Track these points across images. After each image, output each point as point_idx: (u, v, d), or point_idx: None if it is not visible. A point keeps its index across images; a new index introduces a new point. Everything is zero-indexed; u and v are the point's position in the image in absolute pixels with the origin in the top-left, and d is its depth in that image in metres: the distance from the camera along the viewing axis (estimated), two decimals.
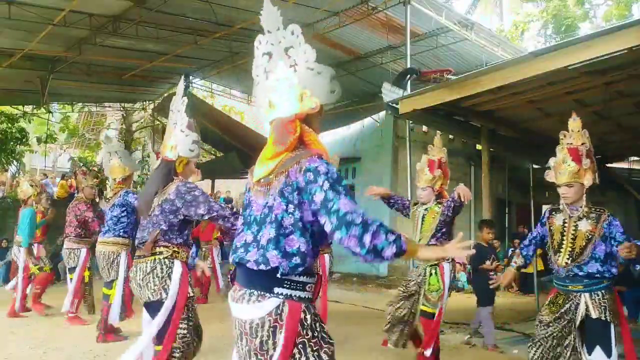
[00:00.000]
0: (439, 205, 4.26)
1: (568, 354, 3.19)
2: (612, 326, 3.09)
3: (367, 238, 1.69)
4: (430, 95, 6.36)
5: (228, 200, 13.77)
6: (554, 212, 3.41)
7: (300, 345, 1.79)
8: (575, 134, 3.34)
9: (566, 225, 3.28)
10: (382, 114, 12.03)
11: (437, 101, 6.29)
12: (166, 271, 2.94)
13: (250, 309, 1.82)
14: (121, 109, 16.79)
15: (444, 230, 4.23)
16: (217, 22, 9.31)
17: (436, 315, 4.16)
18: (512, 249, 11.31)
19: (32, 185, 6.76)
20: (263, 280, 1.82)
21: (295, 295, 1.82)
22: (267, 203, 1.88)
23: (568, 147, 3.28)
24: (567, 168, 3.25)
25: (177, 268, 2.97)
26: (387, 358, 5.06)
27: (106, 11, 9.02)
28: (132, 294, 4.04)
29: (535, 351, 3.30)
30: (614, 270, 3.18)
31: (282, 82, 1.94)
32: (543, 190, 13.13)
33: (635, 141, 7.37)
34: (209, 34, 10.03)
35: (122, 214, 5.00)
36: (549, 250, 3.37)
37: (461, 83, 6.04)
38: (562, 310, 3.22)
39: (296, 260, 1.80)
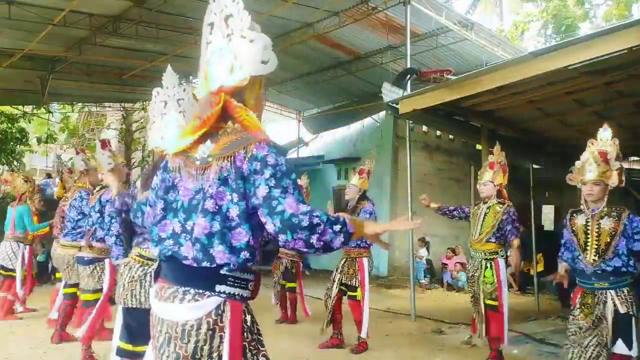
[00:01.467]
0: (500, 205, 4.71)
1: (591, 350, 3.32)
2: (633, 320, 3.27)
3: (314, 238, 1.56)
4: (430, 95, 6.36)
5: None
6: (574, 214, 3.58)
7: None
8: (603, 142, 3.51)
9: (589, 224, 3.44)
10: (382, 114, 12.04)
11: (437, 101, 6.29)
12: None
13: (184, 309, 1.61)
14: (121, 109, 16.78)
15: (502, 231, 4.68)
16: None
17: (499, 309, 4.54)
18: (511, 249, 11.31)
19: (26, 181, 6.67)
20: (202, 277, 1.63)
21: (237, 294, 1.65)
22: (200, 188, 1.67)
23: (598, 150, 3.44)
24: (596, 167, 3.39)
25: None
26: (387, 358, 5.07)
27: (106, 11, 9.02)
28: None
29: (578, 357, 3.37)
30: (637, 265, 3.35)
31: (215, 53, 1.76)
32: (543, 190, 13.16)
33: (635, 141, 7.37)
34: None
35: (79, 216, 4.85)
36: (577, 251, 3.50)
37: (461, 83, 6.04)
38: (595, 311, 3.34)
39: (245, 255, 1.63)
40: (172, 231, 1.70)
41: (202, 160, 1.70)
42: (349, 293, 5.20)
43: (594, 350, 3.31)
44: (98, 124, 19.39)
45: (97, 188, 4.19)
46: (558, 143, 8.60)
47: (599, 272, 3.37)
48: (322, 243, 1.58)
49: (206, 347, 1.60)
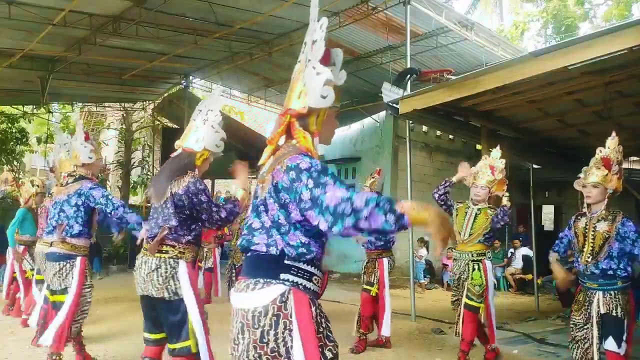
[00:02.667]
0: (492, 209, 4.55)
1: (586, 345, 3.54)
2: (623, 322, 3.44)
3: (362, 224, 1.61)
4: (430, 95, 6.35)
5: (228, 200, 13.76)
6: (579, 217, 3.78)
7: None
8: (610, 150, 3.68)
9: (587, 227, 3.64)
10: (382, 114, 12.03)
11: (437, 101, 6.28)
12: (170, 271, 2.99)
13: (254, 296, 1.78)
14: (121, 109, 16.78)
15: (492, 233, 4.56)
16: (217, 22, 9.30)
17: (484, 313, 4.48)
18: (512, 249, 11.32)
19: (33, 185, 6.69)
20: (270, 267, 1.80)
21: (301, 284, 1.79)
22: (262, 198, 1.87)
23: (602, 156, 3.63)
24: (596, 171, 3.60)
25: (183, 268, 3.01)
26: (387, 358, 5.07)
27: (106, 11, 9.02)
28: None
29: (576, 352, 3.62)
30: (628, 269, 3.52)
31: (297, 74, 1.92)
32: (543, 190, 13.16)
33: (635, 141, 7.36)
34: (209, 34, 10.03)
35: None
36: (577, 252, 3.74)
37: (461, 83, 6.03)
38: (583, 308, 3.60)
39: (301, 250, 1.80)
40: (250, 225, 1.90)
41: (261, 175, 1.93)
42: (364, 287, 5.31)
43: (583, 345, 3.55)
44: (98, 124, 19.40)
45: (71, 180, 4.03)
46: (558, 143, 8.60)
47: (589, 273, 3.58)
48: (373, 229, 1.62)
49: (272, 332, 1.73)
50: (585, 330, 3.55)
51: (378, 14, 9.48)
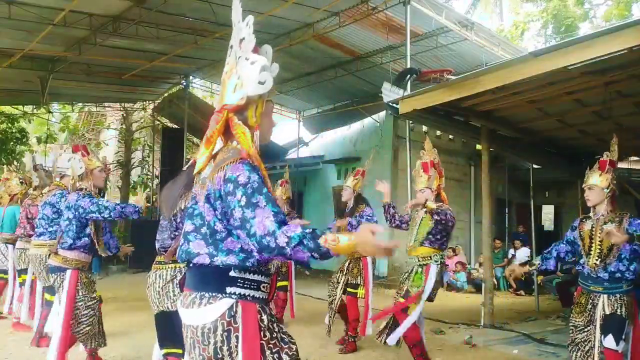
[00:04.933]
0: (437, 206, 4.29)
1: (587, 347, 3.55)
2: (625, 322, 3.46)
3: (288, 254, 1.61)
4: (430, 95, 6.35)
5: None
6: (584, 219, 3.79)
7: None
8: (611, 152, 3.74)
9: (594, 229, 3.64)
10: (382, 114, 12.03)
11: (437, 101, 6.28)
12: None
13: (201, 312, 1.73)
14: (121, 109, 16.77)
15: (438, 236, 4.32)
16: (217, 22, 9.29)
17: (408, 309, 4.27)
18: (512, 249, 11.32)
19: (21, 183, 6.52)
20: (215, 280, 1.74)
21: (249, 295, 1.74)
22: (202, 203, 1.83)
23: (600, 159, 3.68)
24: (591, 173, 3.68)
25: None
26: (386, 357, 5.07)
27: (106, 11, 9.01)
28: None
29: (575, 354, 3.63)
30: (635, 271, 3.52)
31: (227, 73, 1.89)
32: (543, 190, 13.16)
33: (635, 141, 7.35)
34: (209, 34, 10.02)
35: (54, 215, 4.67)
36: (581, 254, 3.74)
37: (461, 83, 6.03)
38: (586, 312, 3.60)
39: (241, 255, 1.74)
40: (186, 231, 1.85)
41: (202, 180, 1.85)
42: (348, 290, 5.17)
43: (584, 347, 3.55)
44: (98, 124, 19.38)
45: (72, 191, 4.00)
46: (558, 143, 8.59)
47: (595, 276, 3.57)
48: (296, 259, 1.65)
49: (225, 348, 1.69)
50: (586, 332, 3.55)
51: (378, 14, 9.47)
